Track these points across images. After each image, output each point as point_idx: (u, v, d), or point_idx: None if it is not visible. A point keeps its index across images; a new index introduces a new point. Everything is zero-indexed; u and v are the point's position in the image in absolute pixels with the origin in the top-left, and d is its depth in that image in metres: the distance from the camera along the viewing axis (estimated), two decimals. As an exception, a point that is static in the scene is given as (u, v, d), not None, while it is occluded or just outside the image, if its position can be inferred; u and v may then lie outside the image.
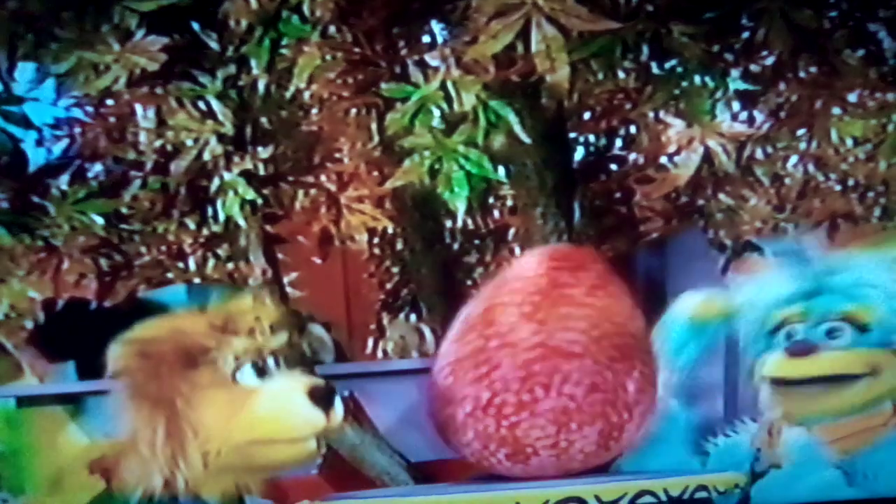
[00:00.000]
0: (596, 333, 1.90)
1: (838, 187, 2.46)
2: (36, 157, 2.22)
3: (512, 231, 2.56)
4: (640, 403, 1.93)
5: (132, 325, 1.78)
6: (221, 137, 2.13)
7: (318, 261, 2.38)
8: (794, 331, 2.01)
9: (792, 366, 2.01)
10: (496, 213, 2.62)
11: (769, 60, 2.18)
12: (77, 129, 2.22)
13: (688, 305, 2.08)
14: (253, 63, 2.11)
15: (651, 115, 2.33)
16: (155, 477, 1.69)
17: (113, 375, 1.73)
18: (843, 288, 2.00)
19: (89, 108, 2.22)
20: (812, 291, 2.02)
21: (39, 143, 2.22)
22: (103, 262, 2.22)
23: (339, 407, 1.76)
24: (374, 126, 2.22)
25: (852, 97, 2.25)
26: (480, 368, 1.89)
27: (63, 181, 2.18)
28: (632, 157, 2.50)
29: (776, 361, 2.02)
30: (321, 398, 1.75)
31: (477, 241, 2.63)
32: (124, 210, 2.20)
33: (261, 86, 2.13)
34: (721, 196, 2.45)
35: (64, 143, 2.23)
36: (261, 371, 1.75)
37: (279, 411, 1.74)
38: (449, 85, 2.01)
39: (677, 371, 2.06)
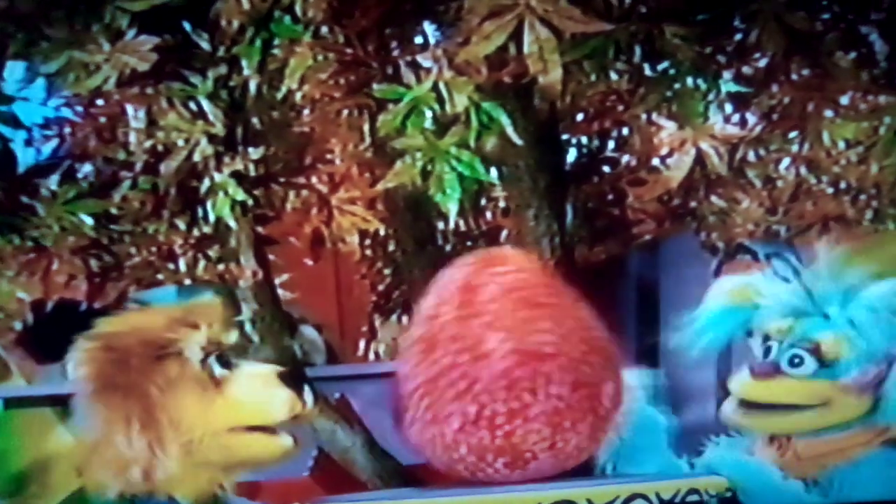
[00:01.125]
0: (562, 331, 1.92)
1: (830, 190, 2.46)
2: (25, 157, 2.20)
3: (504, 233, 2.55)
4: (618, 393, 1.95)
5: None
6: (212, 138, 2.11)
7: (310, 262, 2.37)
8: (772, 346, 2.05)
9: (751, 387, 2.05)
10: (488, 215, 2.61)
11: (762, 62, 2.17)
12: (67, 129, 2.20)
13: (724, 289, 2.08)
14: (244, 63, 2.10)
15: (643, 116, 2.33)
16: (133, 470, 1.68)
17: (78, 376, 1.72)
18: (826, 315, 2.03)
19: (79, 108, 2.20)
20: (803, 309, 2.05)
21: (29, 142, 2.20)
22: (93, 262, 2.20)
23: (308, 391, 1.76)
24: (365, 127, 2.20)
25: (844, 100, 2.25)
26: (458, 385, 1.89)
27: (53, 181, 2.17)
28: (624, 158, 2.50)
29: (741, 378, 2.06)
30: (292, 381, 1.76)
31: (469, 243, 2.61)
32: (114, 211, 2.18)
33: (252, 86, 2.11)
34: (713, 198, 2.44)
35: (54, 143, 2.21)
36: (225, 362, 1.75)
37: (254, 395, 1.74)
38: (441, 86, 2.00)
39: (700, 351, 2.05)
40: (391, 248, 2.60)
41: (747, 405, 2.05)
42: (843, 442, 2.02)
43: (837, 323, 2.02)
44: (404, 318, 2.68)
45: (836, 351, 2.01)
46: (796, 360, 2.02)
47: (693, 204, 2.48)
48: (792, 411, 2.03)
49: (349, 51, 2.08)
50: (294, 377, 1.76)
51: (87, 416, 1.73)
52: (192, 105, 2.11)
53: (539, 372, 1.89)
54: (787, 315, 2.04)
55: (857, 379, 2.00)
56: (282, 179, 2.23)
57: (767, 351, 2.05)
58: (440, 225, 2.54)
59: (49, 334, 2.39)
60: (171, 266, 2.28)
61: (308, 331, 2.92)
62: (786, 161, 2.45)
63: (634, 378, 2.03)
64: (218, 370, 1.74)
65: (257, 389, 1.74)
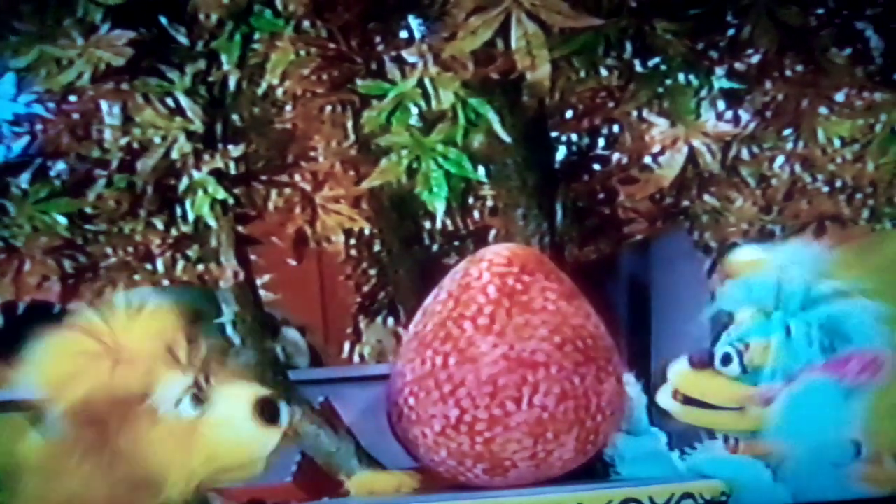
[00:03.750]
0: (557, 339, 1.89)
1: (826, 188, 2.43)
2: (-6, 155, 2.16)
3: (493, 232, 2.51)
4: (612, 403, 1.92)
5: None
6: (190, 135, 2.07)
7: (293, 263, 2.32)
8: (721, 337, 1.98)
9: (683, 378, 1.98)
10: (476, 214, 2.57)
11: (755, 59, 2.14)
12: (39, 126, 2.16)
13: (740, 259, 2.01)
14: (223, 58, 2.06)
15: (634, 113, 2.29)
16: None
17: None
18: (772, 317, 1.94)
19: (51, 105, 2.15)
20: (763, 305, 1.96)
21: (-2, 139, 2.16)
22: (67, 263, 2.16)
23: (284, 415, 1.71)
24: (349, 124, 2.18)
25: (839, 96, 2.21)
26: (444, 387, 1.87)
27: (24, 180, 2.12)
28: (615, 156, 2.46)
29: (678, 367, 2.00)
30: (267, 413, 1.70)
31: (457, 243, 2.58)
32: (89, 210, 2.14)
33: (232, 82, 2.07)
34: (706, 197, 2.41)
35: (25, 140, 2.16)
36: (198, 399, 1.69)
37: (228, 438, 1.70)
38: (427, 82, 1.96)
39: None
40: (377, 247, 2.56)
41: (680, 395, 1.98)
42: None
43: (775, 329, 1.93)
44: (390, 320, 2.64)
45: (760, 358, 1.92)
46: (727, 359, 1.95)
47: (686, 203, 2.45)
48: (711, 409, 1.96)
49: (332, 45, 2.04)
50: (269, 407, 1.69)
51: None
52: (170, 101, 2.07)
53: (526, 381, 1.86)
54: (751, 305, 1.96)
55: (763, 392, 1.92)
56: (263, 177, 2.19)
57: (716, 340, 1.99)
58: (427, 224, 2.51)
59: (21, 337, 2.33)
60: (149, 267, 2.23)
61: (291, 333, 2.88)
62: (780, 159, 2.42)
63: (631, 382, 1.98)
64: (191, 412, 1.68)
65: (232, 430, 1.68)
